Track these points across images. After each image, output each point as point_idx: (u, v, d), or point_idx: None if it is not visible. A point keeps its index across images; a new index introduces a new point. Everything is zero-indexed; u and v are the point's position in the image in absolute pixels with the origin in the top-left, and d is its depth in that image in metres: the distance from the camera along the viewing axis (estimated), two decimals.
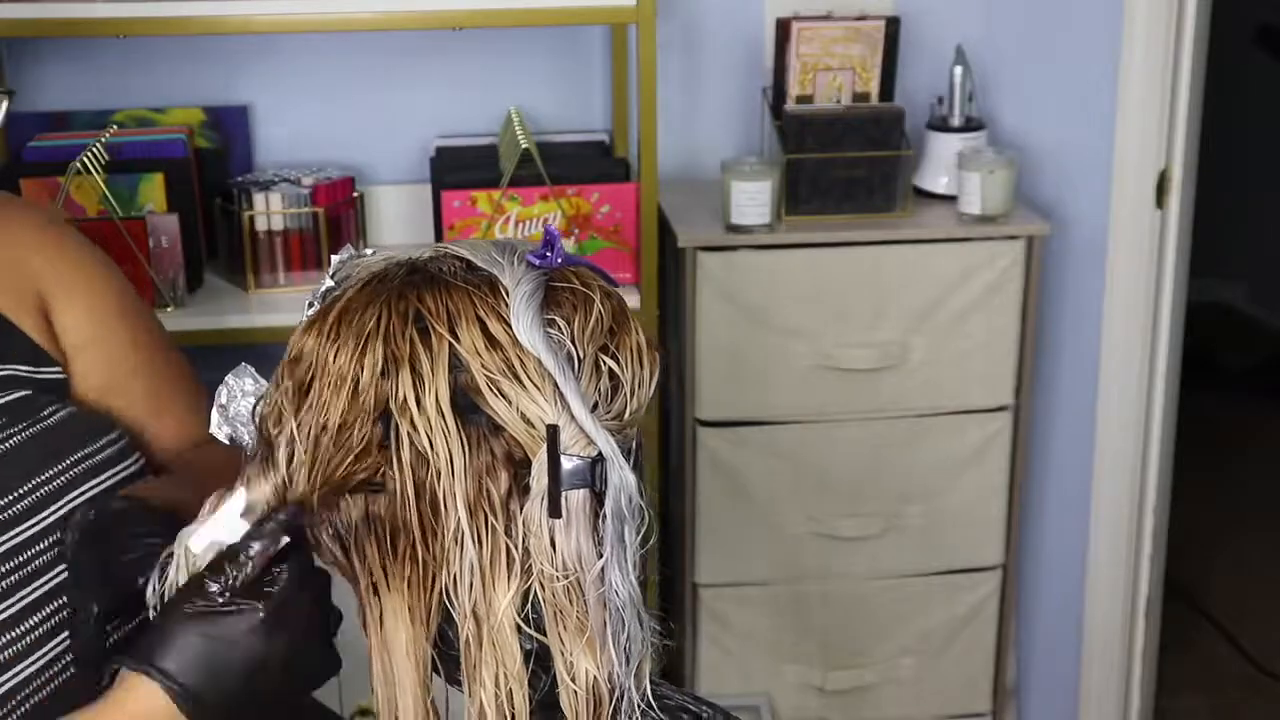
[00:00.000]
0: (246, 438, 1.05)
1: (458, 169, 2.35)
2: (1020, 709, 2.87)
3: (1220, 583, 3.60)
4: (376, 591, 0.99)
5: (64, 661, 1.14)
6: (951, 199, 2.44)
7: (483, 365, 0.96)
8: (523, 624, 0.97)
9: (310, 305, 1.04)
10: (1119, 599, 2.83)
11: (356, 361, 0.97)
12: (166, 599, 1.02)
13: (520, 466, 0.97)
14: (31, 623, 1.12)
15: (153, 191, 2.26)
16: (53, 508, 1.15)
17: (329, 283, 1.04)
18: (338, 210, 2.35)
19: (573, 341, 0.98)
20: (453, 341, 0.96)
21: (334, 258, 1.06)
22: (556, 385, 0.96)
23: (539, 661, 0.98)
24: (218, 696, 0.98)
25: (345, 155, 2.50)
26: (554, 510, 0.96)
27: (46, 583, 1.13)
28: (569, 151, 2.45)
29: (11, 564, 1.12)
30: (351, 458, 0.97)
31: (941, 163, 2.49)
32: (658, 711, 1.01)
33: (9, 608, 1.11)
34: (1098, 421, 2.76)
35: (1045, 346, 2.69)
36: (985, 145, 2.48)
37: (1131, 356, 2.71)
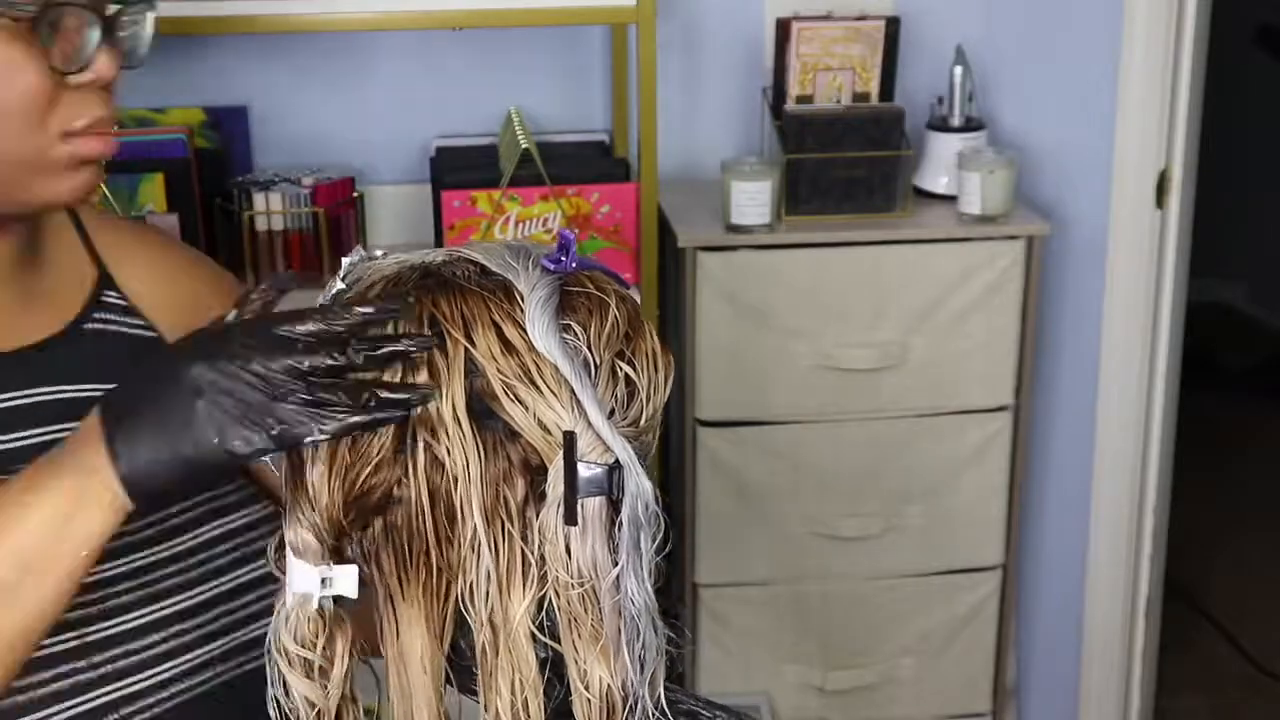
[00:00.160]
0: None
1: (458, 169, 2.35)
2: (1020, 709, 2.86)
3: (1220, 583, 3.60)
4: (393, 603, 0.98)
5: (173, 685, 1.15)
6: (951, 199, 2.44)
7: (499, 370, 0.95)
8: (537, 632, 0.97)
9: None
10: (1119, 599, 2.83)
11: None
12: None
13: (536, 473, 0.96)
14: (151, 640, 1.15)
15: (153, 191, 2.26)
16: (178, 538, 1.17)
17: (339, 285, 1.03)
18: (338, 210, 2.35)
19: (589, 347, 0.97)
20: (469, 347, 0.95)
21: (344, 260, 1.05)
22: (573, 391, 0.96)
23: (552, 669, 0.98)
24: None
25: (345, 155, 2.50)
26: (570, 518, 0.95)
27: (166, 607, 1.15)
28: (569, 151, 2.45)
29: (136, 582, 1.14)
30: (370, 467, 0.96)
31: (941, 163, 2.49)
32: (670, 718, 1.00)
33: (129, 622, 1.13)
34: (1098, 421, 2.76)
35: (1045, 346, 2.69)
36: (985, 145, 2.48)
37: (1131, 356, 2.71)
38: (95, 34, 1.06)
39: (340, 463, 0.96)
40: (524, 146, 2.22)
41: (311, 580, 0.97)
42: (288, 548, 0.98)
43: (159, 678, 1.14)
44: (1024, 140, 2.62)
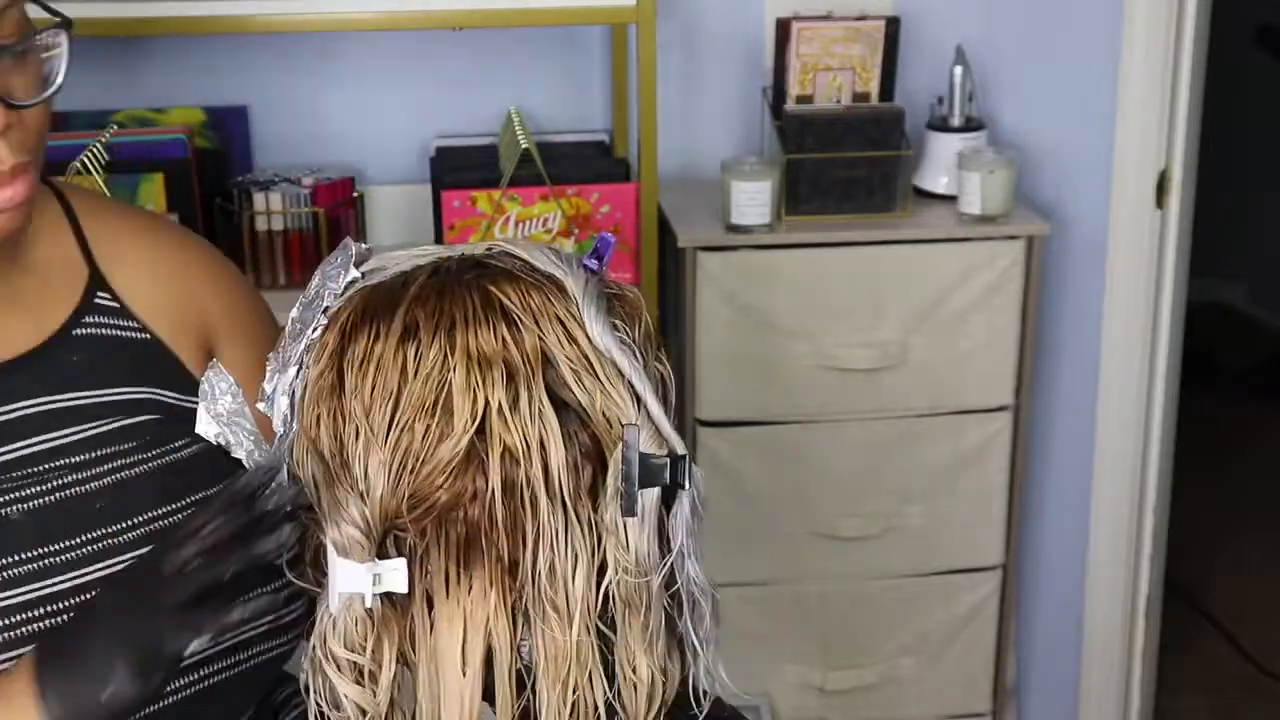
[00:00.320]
0: (240, 439, 1.05)
1: (458, 169, 2.35)
2: (1020, 709, 2.87)
3: (1220, 583, 3.60)
4: (431, 601, 0.97)
5: (168, 696, 1.15)
6: (951, 199, 2.44)
7: (568, 359, 0.96)
8: (600, 622, 0.97)
9: (315, 303, 1.02)
10: (1119, 599, 2.83)
11: (444, 364, 0.95)
12: None
13: (599, 463, 0.97)
14: None
15: (153, 191, 2.26)
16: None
17: (354, 273, 1.01)
18: (338, 210, 2.35)
19: (635, 345, 1.00)
20: (541, 335, 0.96)
21: (353, 249, 1.03)
22: (632, 386, 0.97)
23: (602, 659, 0.98)
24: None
25: (345, 155, 2.50)
26: (629, 508, 0.96)
27: None
28: (569, 151, 2.45)
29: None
30: (443, 473, 0.95)
31: (941, 163, 2.49)
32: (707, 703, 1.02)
33: None
34: (1098, 421, 2.76)
35: (1045, 346, 2.69)
36: (985, 145, 2.48)
37: (1131, 356, 2.71)
38: None
39: (403, 454, 0.95)
40: (524, 146, 2.22)
41: (362, 579, 0.95)
42: (329, 549, 0.96)
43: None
44: (1024, 140, 2.62)
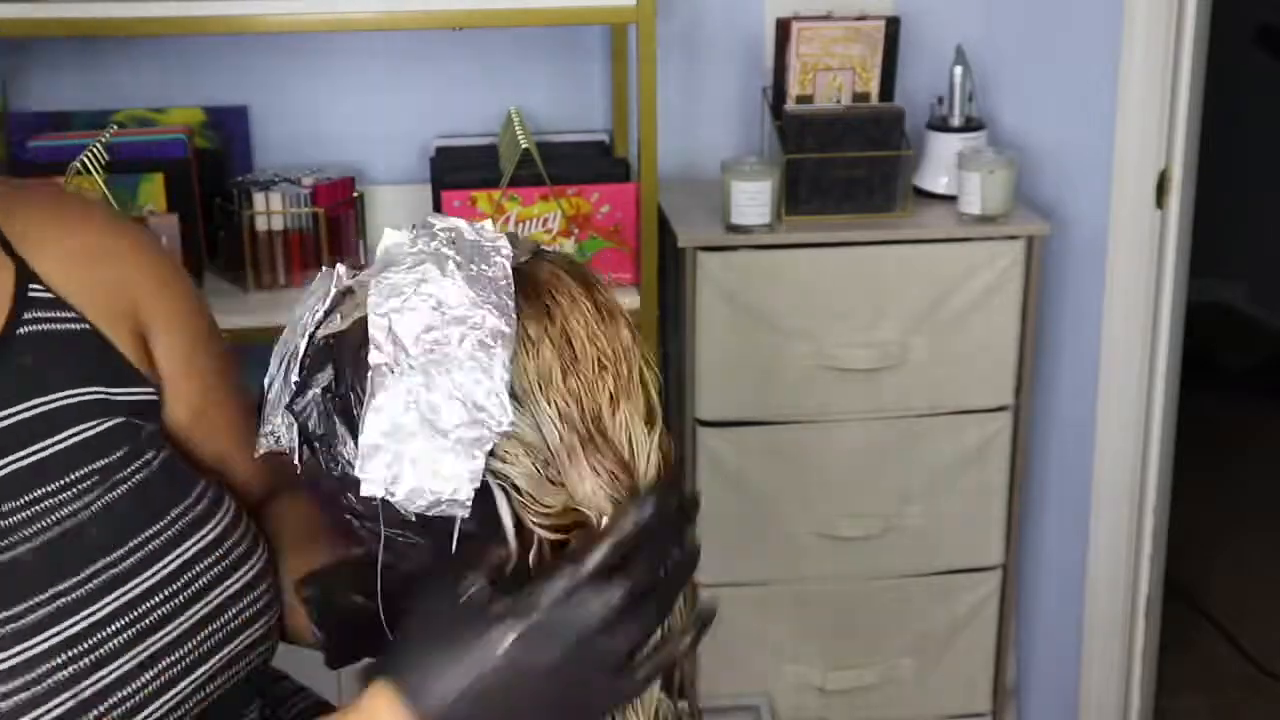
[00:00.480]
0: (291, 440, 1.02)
1: (458, 169, 2.35)
2: (1020, 709, 2.87)
3: (1220, 583, 3.60)
4: None
5: (167, 717, 1.12)
6: (951, 199, 2.44)
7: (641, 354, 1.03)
8: None
9: (334, 281, 1.01)
10: (1119, 599, 2.83)
11: (632, 340, 1.03)
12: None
13: None
14: (144, 679, 1.10)
15: (153, 191, 2.26)
16: (158, 565, 1.12)
17: (440, 241, 1.01)
18: (338, 210, 2.34)
19: None
20: (629, 324, 1.03)
21: (422, 222, 1.02)
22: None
23: None
24: None
25: (345, 155, 2.50)
26: None
27: (155, 641, 1.11)
28: (569, 151, 2.45)
29: (126, 619, 1.09)
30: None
31: (941, 163, 2.49)
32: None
33: (121, 666, 1.08)
34: (1098, 421, 2.76)
35: (1045, 346, 2.69)
36: (985, 145, 2.48)
37: (1131, 356, 2.71)
38: None
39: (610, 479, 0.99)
40: (524, 146, 2.22)
41: None
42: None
43: (154, 716, 1.10)
44: (1024, 140, 2.62)
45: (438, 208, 2.28)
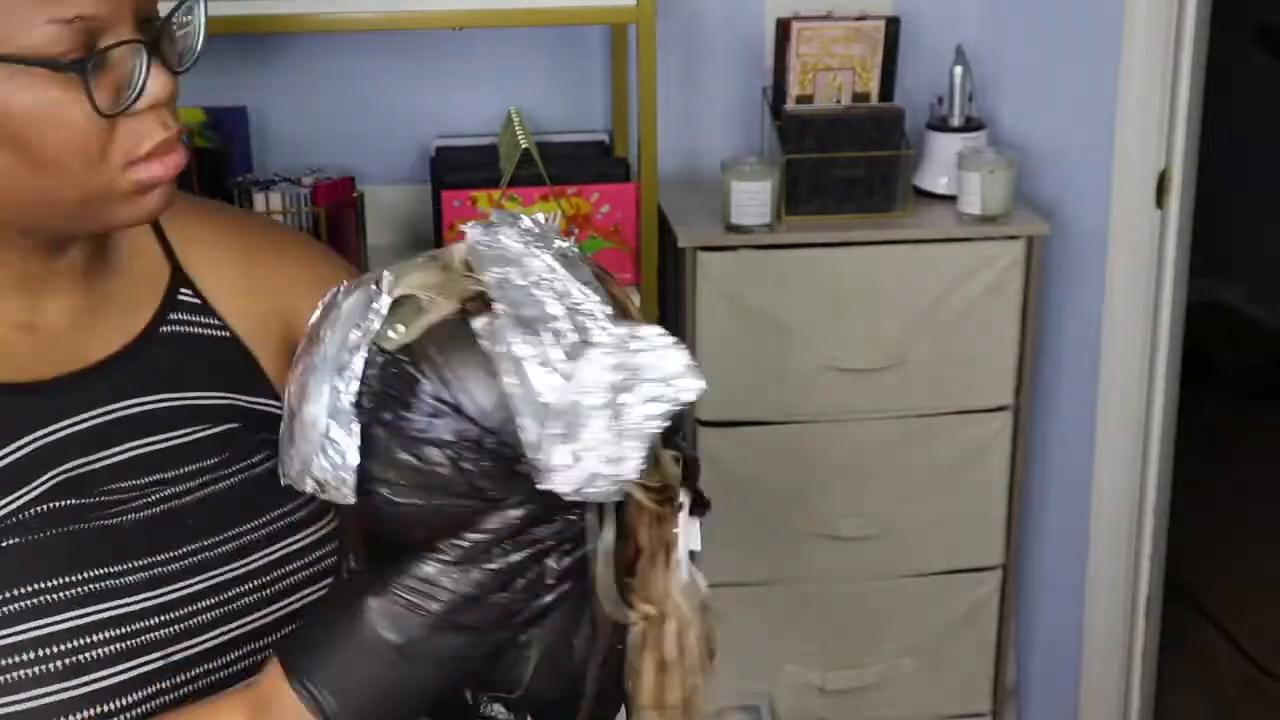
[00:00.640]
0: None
1: (458, 169, 2.35)
2: (1020, 709, 2.87)
3: (1220, 583, 3.60)
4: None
5: None
6: (951, 199, 2.44)
7: None
8: None
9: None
10: (1119, 599, 2.84)
11: None
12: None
13: None
14: (230, 657, 1.14)
15: None
16: (254, 555, 1.16)
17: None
18: (338, 210, 2.35)
19: None
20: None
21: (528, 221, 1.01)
22: None
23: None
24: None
25: (345, 155, 2.50)
26: None
27: (242, 625, 1.14)
28: (569, 151, 2.45)
29: (215, 599, 1.13)
30: None
31: (941, 163, 2.49)
32: None
33: (208, 641, 1.12)
34: (1098, 421, 2.76)
35: (1045, 346, 2.69)
36: (985, 145, 2.48)
37: (1131, 356, 2.71)
38: (142, 59, 1.02)
39: None
40: (524, 146, 2.22)
41: (697, 535, 1.00)
42: (684, 511, 1.00)
43: None
44: (1024, 140, 2.62)
45: (438, 208, 2.28)
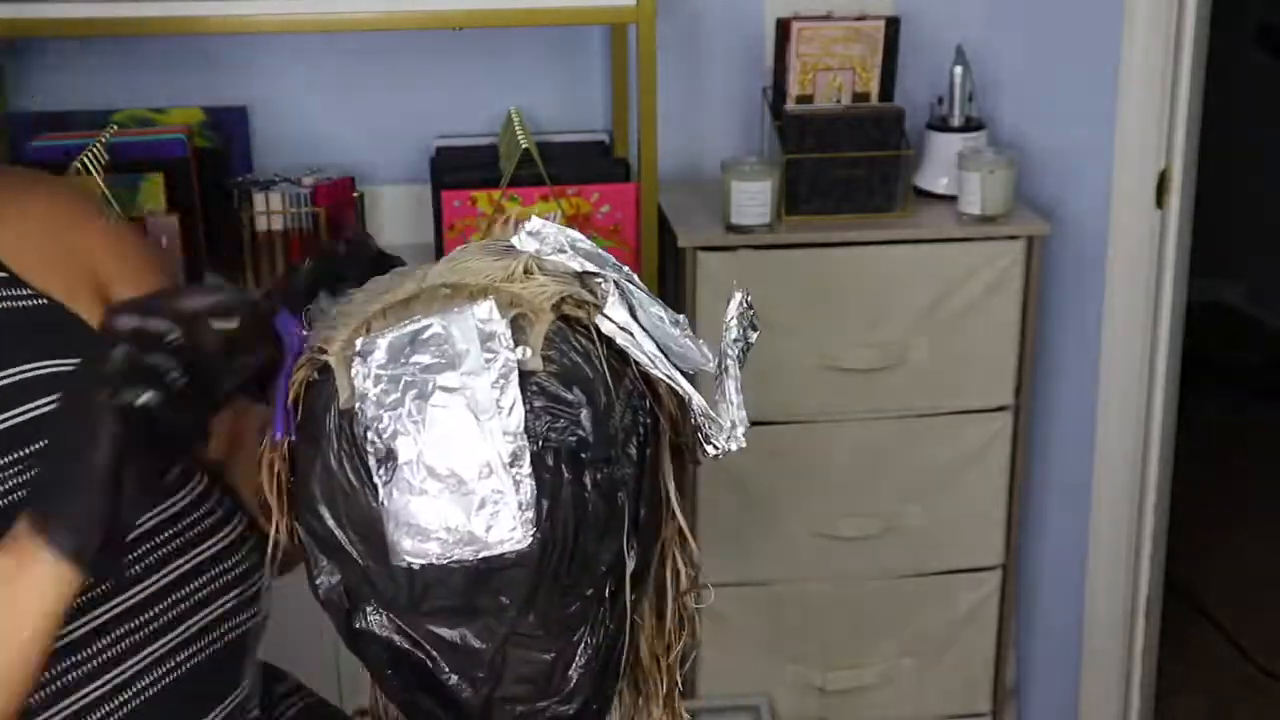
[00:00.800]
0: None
1: (458, 169, 2.35)
2: (1020, 709, 2.86)
3: (1220, 583, 3.60)
4: None
5: (147, 680, 1.14)
6: (951, 199, 2.44)
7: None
8: None
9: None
10: (1119, 599, 2.84)
11: None
12: None
13: None
14: (118, 633, 1.13)
15: (153, 191, 2.26)
16: (160, 572, 1.15)
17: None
18: (338, 210, 2.35)
19: None
20: None
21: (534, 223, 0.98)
22: None
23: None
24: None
25: (345, 155, 2.50)
26: None
27: (128, 600, 1.13)
28: (569, 151, 2.45)
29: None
30: None
31: (941, 163, 2.49)
32: None
33: (97, 619, 1.11)
34: (1098, 421, 2.76)
35: (1045, 346, 2.69)
36: (985, 145, 2.48)
37: (1131, 356, 2.71)
38: None
39: None
40: (524, 146, 2.22)
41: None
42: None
43: (124, 675, 1.13)
44: (1024, 140, 2.62)
45: (438, 208, 2.28)
